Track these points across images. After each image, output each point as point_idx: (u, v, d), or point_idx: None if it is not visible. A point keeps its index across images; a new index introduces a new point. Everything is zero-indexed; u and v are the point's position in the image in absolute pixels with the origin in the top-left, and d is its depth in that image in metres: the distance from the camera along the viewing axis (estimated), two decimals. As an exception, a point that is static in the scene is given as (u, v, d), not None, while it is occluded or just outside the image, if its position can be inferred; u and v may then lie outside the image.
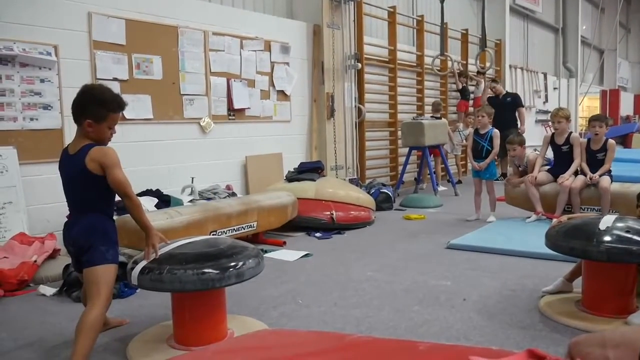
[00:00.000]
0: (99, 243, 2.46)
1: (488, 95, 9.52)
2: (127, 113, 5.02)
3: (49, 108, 4.49)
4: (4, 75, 4.22)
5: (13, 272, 3.60)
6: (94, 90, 2.59)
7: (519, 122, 8.89)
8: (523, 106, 9.06)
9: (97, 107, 2.48)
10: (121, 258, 3.56)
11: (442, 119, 8.40)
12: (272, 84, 6.58)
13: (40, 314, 3.20)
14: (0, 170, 4.09)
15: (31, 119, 4.38)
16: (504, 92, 9.48)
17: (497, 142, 5.73)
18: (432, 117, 8.24)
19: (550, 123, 5.60)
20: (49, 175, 4.51)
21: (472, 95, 10.43)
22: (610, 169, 5.15)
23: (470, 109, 10.00)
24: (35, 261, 3.77)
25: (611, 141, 5.21)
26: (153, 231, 2.52)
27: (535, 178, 5.35)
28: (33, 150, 4.37)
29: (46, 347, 2.72)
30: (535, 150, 6.60)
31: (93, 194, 2.54)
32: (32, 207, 4.33)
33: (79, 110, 2.51)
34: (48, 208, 4.47)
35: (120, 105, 2.58)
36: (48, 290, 3.57)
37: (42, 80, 4.43)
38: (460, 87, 10.14)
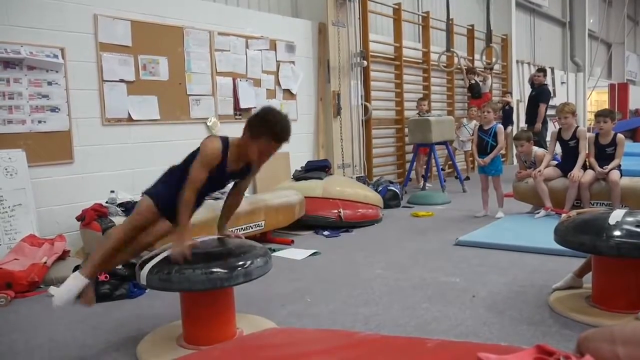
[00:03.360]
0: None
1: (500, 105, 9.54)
2: (134, 114, 5.06)
3: (57, 110, 4.52)
4: (12, 78, 4.25)
5: (23, 273, 3.63)
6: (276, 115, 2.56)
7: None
8: (545, 102, 8.71)
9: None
10: (130, 258, 3.60)
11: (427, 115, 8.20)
12: (278, 83, 6.58)
13: (51, 315, 3.22)
14: (10, 172, 4.12)
15: (39, 122, 4.41)
16: (510, 101, 9.92)
17: (501, 137, 5.70)
18: (418, 114, 8.08)
19: (556, 119, 5.57)
20: (58, 177, 4.56)
21: (481, 92, 10.37)
22: (620, 163, 5.12)
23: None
24: (45, 263, 3.79)
25: (620, 136, 5.17)
26: (187, 231, 2.46)
27: (541, 172, 5.32)
28: (42, 152, 4.40)
29: (57, 347, 2.74)
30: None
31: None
32: (41, 209, 4.36)
33: None
34: (57, 210, 4.50)
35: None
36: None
37: (49, 83, 4.46)
38: (469, 84, 10.09)
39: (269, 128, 2.46)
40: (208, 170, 2.48)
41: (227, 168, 2.56)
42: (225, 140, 2.54)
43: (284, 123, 2.51)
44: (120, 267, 3.51)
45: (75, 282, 2.52)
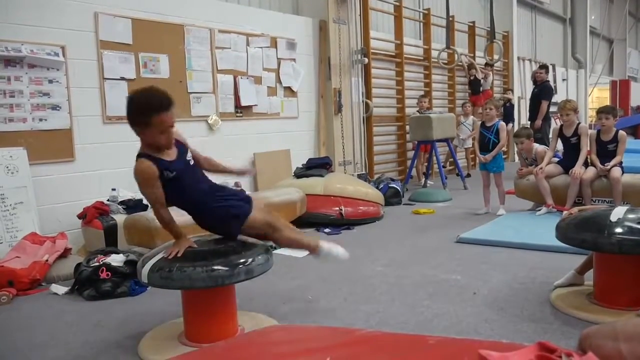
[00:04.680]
0: None
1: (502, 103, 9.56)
2: (135, 112, 5.05)
3: (58, 108, 4.52)
4: (13, 76, 4.25)
5: (25, 271, 3.64)
6: (134, 99, 2.51)
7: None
8: (547, 99, 8.66)
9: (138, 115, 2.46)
10: (131, 257, 3.61)
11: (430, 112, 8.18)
12: (278, 80, 6.58)
13: (53, 312, 3.23)
14: (11, 170, 4.13)
15: (40, 120, 4.42)
16: (512, 98, 10.05)
17: (503, 134, 5.69)
18: (418, 111, 8.09)
19: (558, 115, 5.56)
20: (59, 175, 4.56)
21: (480, 89, 10.36)
22: (621, 160, 5.11)
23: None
24: (47, 260, 3.80)
25: (622, 132, 5.16)
26: (184, 238, 2.54)
27: (542, 170, 5.31)
28: (43, 150, 4.40)
29: (58, 345, 2.74)
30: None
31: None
32: (42, 207, 4.36)
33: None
34: (59, 208, 4.51)
35: (160, 103, 2.45)
36: (60, 289, 3.60)
37: (50, 81, 4.46)
38: (469, 79, 10.08)
39: (143, 109, 2.42)
40: (156, 184, 2.45)
41: (171, 161, 2.51)
42: (141, 153, 2.50)
43: (151, 95, 2.46)
44: (122, 265, 3.53)
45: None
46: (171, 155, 2.54)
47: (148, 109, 2.42)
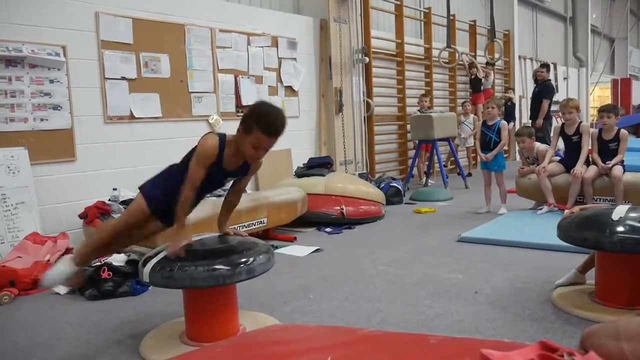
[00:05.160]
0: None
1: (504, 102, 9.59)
2: (136, 112, 5.06)
3: (59, 108, 4.52)
4: (14, 76, 4.25)
5: (27, 271, 3.64)
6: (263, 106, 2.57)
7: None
8: (548, 98, 8.64)
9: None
10: (133, 256, 3.61)
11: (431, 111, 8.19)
12: (279, 79, 6.57)
13: (54, 312, 3.23)
14: (12, 170, 4.13)
15: (41, 120, 4.42)
16: (513, 97, 10.15)
17: (504, 133, 5.69)
18: (419, 110, 8.09)
19: (560, 114, 5.55)
20: (61, 175, 4.56)
21: (481, 87, 10.36)
22: (623, 159, 5.10)
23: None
24: (48, 260, 3.80)
25: (623, 131, 5.15)
26: (184, 230, 2.48)
27: (545, 169, 5.31)
28: (44, 150, 4.41)
29: (60, 345, 2.74)
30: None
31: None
32: (44, 207, 4.36)
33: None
34: (60, 207, 4.51)
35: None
36: (61, 289, 3.60)
37: (51, 81, 4.46)
38: (470, 78, 10.07)
39: (259, 121, 2.42)
40: (205, 168, 2.46)
41: (225, 166, 2.53)
42: (222, 137, 2.52)
43: (275, 115, 2.47)
44: (123, 264, 3.53)
45: (65, 267, 2.62)
46: (233, 165, 2.55)
47: (261, 123, 2.41)
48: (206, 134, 2.55)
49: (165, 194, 2.56)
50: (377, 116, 8.06)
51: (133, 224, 2.62)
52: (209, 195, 2.80)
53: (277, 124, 2.46)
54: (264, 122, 2.42)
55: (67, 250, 4.02)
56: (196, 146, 2.53)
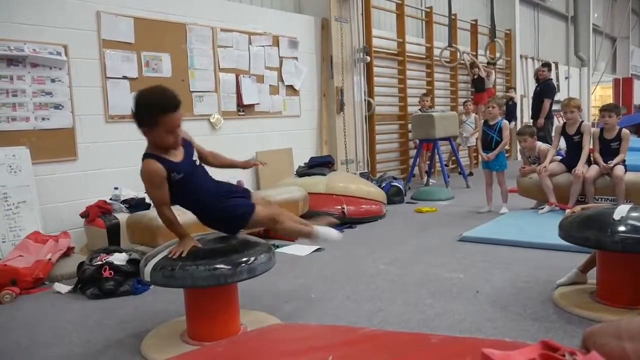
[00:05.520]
0: None
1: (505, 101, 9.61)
2: (138, 111, 5.06)
3: (60, 107, 4.53)
4: (16, 75, 4.26)
5: (28, 270, 3.64)
6: (141, 98, 2.45)
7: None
8: (549, 97, 8.60)
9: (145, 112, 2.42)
10: (134, 255, 3.62)
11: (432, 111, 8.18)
12: (281, 79, 6.57)
13: (56, 311, 3.24)
14: (14, 169, 4.13)
15: (43, 119, 4.42)
16: (514, 96, 10.19)
17: (506, 133, 5.69)
18: (420, 110, 8.08)
19: (562, 113, 5.54)
20: (62, 174, 4.57)
21: (484, 87, 10.34)
22: (625, 158, 5.10)
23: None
24: (50, 259, 3.81)
25: (625, 130, 5.14)
26: (188, 238, 2.52)
27: (546, 168, 5.30)
28: (45, 149, 4.41)
29: (61, 343, 2.75)
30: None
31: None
32: (45, 206, 4.37)
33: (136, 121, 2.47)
34: (62, 206, 4.52)
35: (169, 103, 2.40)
36: (63, 287, 3.61)
37: (52, 80, 4.47)
38: (472, 78, 10.06)
39: (151, 107, 2.38)
40: (163, 186, 2.43)
41: (177, 163, 2.48)
42: (148, 154, 2.47)
43: (158, 94, 2.41)
44: (124, 264, 3.53)
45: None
46: (178, 155, 2.51)
47: (156, 108, 2.37)
48: (143, 164, 2.46)
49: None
50: (378, 115, 8.06)
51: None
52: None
53: (168, 98, 2.41)
54: (157, 107, 2.37)
55: (69, 249, 4.03)
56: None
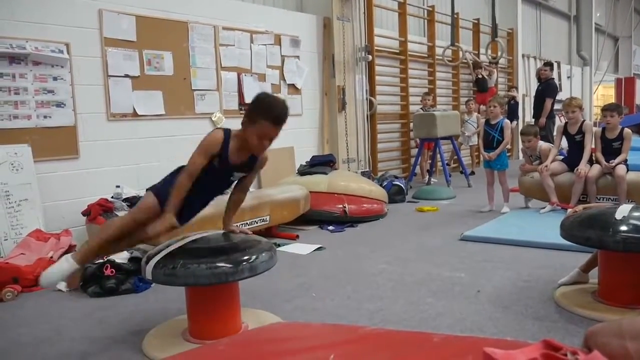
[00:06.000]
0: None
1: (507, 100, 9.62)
2: (139, 109, 5.06)
3: (62, 106, 4.53)
4: (18, 73, 4.26)
5: (30, 268, 3.64)
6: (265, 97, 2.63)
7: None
8: (551, 96, 8.56)
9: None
10: (136, 253, 3.62)
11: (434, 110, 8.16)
12: (282, 77, 6.57)
13: (57, 309, 3.24)
14: (16, 167, 4.14)
15: (45, 117, 4.42)
16: (516, 95, 10.25)
17: (507, 132, 5.68)
18: (422, 109, 8.08)
19: (563, 113, 5.53)
20: (64, 172, 4.57)
21: (487, 87, 10.33)
22: (627, 158, 5.09)
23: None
24: (52, 257, 3.81)
25: (627, 130, 5.13)
26: (169, 215, 2.48)
27: (547, 167, 5.30)
28: (47, 147, 4.41)
29: (63, 341, 2.75)
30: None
31: None
32: (47, 204, 4.37)
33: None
34: (63, 204, 4.52)
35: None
36: (64, 286, 3.61)
37: (54, 78, 4.47)
38: (475, 78, 10.05)
39: (263, 110, 2.49)
40: (206, 157, 2.49)
41: (230, 159, 2.55)
42: (227, 130, 2.57)
43: (277, 104, 2.55)
44: (126, 262, 3.53)
45: (66, 265, 2.53)
46: (239, 158, 2.58)
47: (268, 113, 2.48)
48: (212, 131, 2.59)
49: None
50: (380, 114, 8.05)
51: (141, 221, 2.60)
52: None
53: (280, 112, 2.52)
54: (268, 111, 2.49)
55: (70, 247, 4.03)
56: None
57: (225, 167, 2.56)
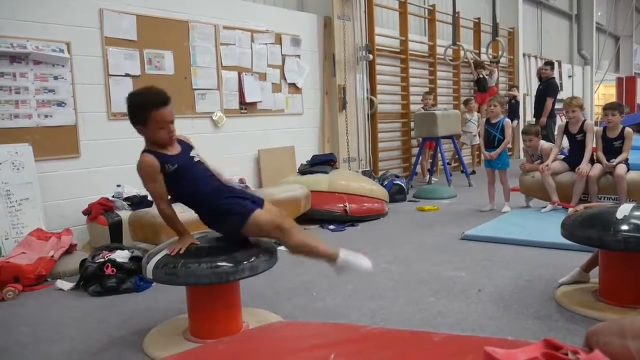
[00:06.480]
0: None
1: (507, 99, 9.64)
2: (140, 108, 5.06)
3: (63, 105, 4.53)
4: (18, 73, 4.26)
5: (31, 267, 3.65)
6: (132, 97, 2.58)
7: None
8: (552, 96, 8.53)
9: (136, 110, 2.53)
10: (136, 253, 3.62)
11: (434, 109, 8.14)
12: (283, 77, 6.57)
13: (58, 308, 3.24)
14: (17, 166, 4.14)
15: (45, 116, 4.43)
16: (517, 95, 10.24)
17: (508, 131, 5.68)
18: (423, 108, 8.08)
19: (564, 112, 5.53)
20: (64, 172, 4.57)
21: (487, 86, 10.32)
22: (627, 157, 5.08)
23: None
24: (53, 256, 3.81)
25: (628, 129, 5.13)
26: (187, 235, 2.55)
27: (548, 167, 5.29)
28: (48, 146, 4.42)
29: (63, 340, 2.75)
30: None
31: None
32: (48, 203, 4.38)
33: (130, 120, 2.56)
34: (64, 204, 4.52)
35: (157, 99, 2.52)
36: (65, 284, 3.62)
37: (55, 78, 4.47)
38: (476, 77, 10.04)
39: (140, 107, 2.50)
40: (157, 178, 2.49)
41: (173, 155, 2.55)
42: (144, 150, 2.55)
43: (145, 92, 2.55)
44: (127, 261, 3.54)
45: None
46: (173, 150, 2.59)
47: (146, 105, 2.48)
48: (138, 160, 2.54)
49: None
50: (380, 114, 8.05)
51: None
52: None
53: (155, 95, 2.52)
54: (145, 104, 2.49)
55: (71, 246, 4.04)
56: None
57: (179, 161, 2.55)
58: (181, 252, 2.46)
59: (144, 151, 2.55)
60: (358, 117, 7.44)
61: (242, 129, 6.06)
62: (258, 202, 2.63)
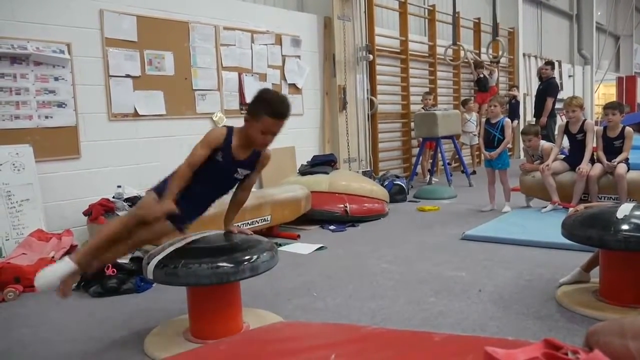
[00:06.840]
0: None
1: (508, 99, 9.65)
2: (140, 109, 5.07)
3: (64, 106, 4.53)
4: (19, 74, 4.26)
5: (31, 268, 3.64)
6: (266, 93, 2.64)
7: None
8: (552, 96, 8.54)
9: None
10: (137, 253, 3.62)
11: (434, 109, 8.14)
12: (283, 77, 6.57)
13: (59, 309, 3.24)
14: (17, 167, 4.14)
15: (46, 117, 4.43)
16: (517, 94, 10.22)
17: (508, 131, 5.68)
18: (423, 108, 8.08)
19: (564, 112, 5.53)
20: (65, 172, 4.58)
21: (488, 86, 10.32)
22: (628, 156, 5.08)
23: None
24: (53, 257, 3.81)
25: (628, 129, 5.13)
26: (168, 202, 2.46)
27: (549, 167, 5.29)
28: (49, 147, 4.42)
29: (64, 341, 2.75)
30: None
31: None
32: (48, 204, 4.38)
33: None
34: (65, 204, 4.52)
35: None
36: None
37: (56, 79, 4.47)
38: (476, 77, 10.05)
39: (266, 106, 2.51)
40: (208, 149, 2.51)
41: (234, 154, 2.56)
42: (230, 127, 2.61)
43: (280, 99, 2.58)
44: (127, 262, 3.54)
45: (63, 265, 2.44)
46: (242, 155, 2.59)
47: (268, 109, 2.50)
48: (214, 128, 2.60)
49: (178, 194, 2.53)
50: (381, 114, 8.05)
51: (141, 219, 2.54)
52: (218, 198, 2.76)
53: (283, 107, 2.54)
54: (270, 106, 2.51)
55: (72, 247, 4.04)
56: None
57: (228, 162, 2.56)
58: (156, 212, 2.44)
59: (230, 127, 2.59)
60: (358, 117, 7.44)
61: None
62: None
